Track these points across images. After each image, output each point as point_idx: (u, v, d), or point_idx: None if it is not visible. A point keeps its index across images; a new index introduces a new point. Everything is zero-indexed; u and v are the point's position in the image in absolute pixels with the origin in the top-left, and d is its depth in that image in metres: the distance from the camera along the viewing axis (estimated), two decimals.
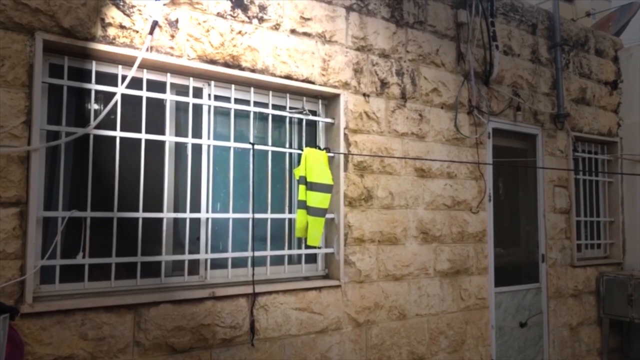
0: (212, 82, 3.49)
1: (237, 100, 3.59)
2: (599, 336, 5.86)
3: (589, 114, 5.98)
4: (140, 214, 3.13)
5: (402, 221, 4.24)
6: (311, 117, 3.93)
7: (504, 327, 4.97)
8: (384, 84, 4.20)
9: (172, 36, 3.23)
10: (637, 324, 5.76)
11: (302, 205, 3.58)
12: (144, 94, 3.19)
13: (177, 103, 3.41)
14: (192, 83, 3.40)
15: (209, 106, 3.48)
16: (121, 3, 3.05)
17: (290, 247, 3.82)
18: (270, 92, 3.72)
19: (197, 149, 3.43)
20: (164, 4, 3.18)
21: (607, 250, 6.30)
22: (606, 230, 6.30)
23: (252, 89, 3.63)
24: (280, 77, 3.64)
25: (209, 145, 3.46)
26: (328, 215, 3.77)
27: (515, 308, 5.10)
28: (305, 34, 3.78)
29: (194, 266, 3.39)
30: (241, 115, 3.66)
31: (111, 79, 3.09)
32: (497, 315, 4.91)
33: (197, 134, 3.44)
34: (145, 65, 3.17)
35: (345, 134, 3.94)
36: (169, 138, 3.31)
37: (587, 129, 5.95)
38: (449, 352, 4.48)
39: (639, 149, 6.19)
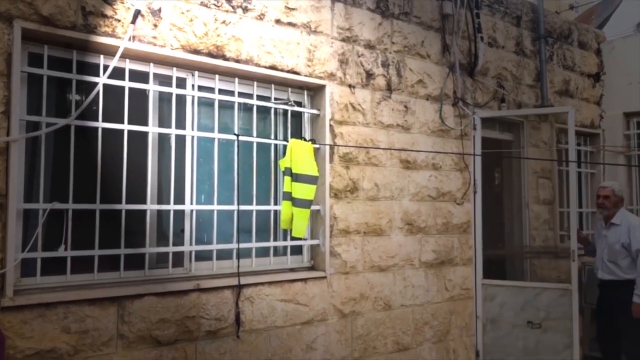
0: (196, 73, 3.45)
1: (221, 91, 3.55)
2: (581, 325, 5.94)
3: (572, 105, 6.02)
4: (123, 206, 3.10)
5: (388, 212, 4.25)
6: (296, 108, 3.91)
7: (498, 321, 4.85)
8: (369, 75, 4.20)
9: (155, 25, 3.18)
10: None
11: (288, 196, 3.57)
12: (127, 84, 3.14)
13: (161, 93, 3.36)
14: (175, 73, 3.35)
15: (193, 97, 3.44)
16: None
17: (275, 239, 3.81)
18: (255, 83, 3.68)
19: (180, 140, 3.39)
20: None
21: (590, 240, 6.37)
22: (589, 221, 6.37)
23: (236, 79, 3.59)
24: (265, 67, 3.61)
25: (192, 137, 3.42)
26: (313, 207, 3.77)
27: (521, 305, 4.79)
28: (290, 24, 3.75)
29: (179, 258, 3.36)
30: (226, 106, 3.63)
31: (93, 69, 3.04)
32: (489, 308, 4.86)
33: (180, 124, 3.40)
34: (127, 55, 3.12)
35: (330, 125, 3.93)
36: (152, 129, 3.27)
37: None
38: (434, 342, 4.52)
39: (620, 141, 6.27)
